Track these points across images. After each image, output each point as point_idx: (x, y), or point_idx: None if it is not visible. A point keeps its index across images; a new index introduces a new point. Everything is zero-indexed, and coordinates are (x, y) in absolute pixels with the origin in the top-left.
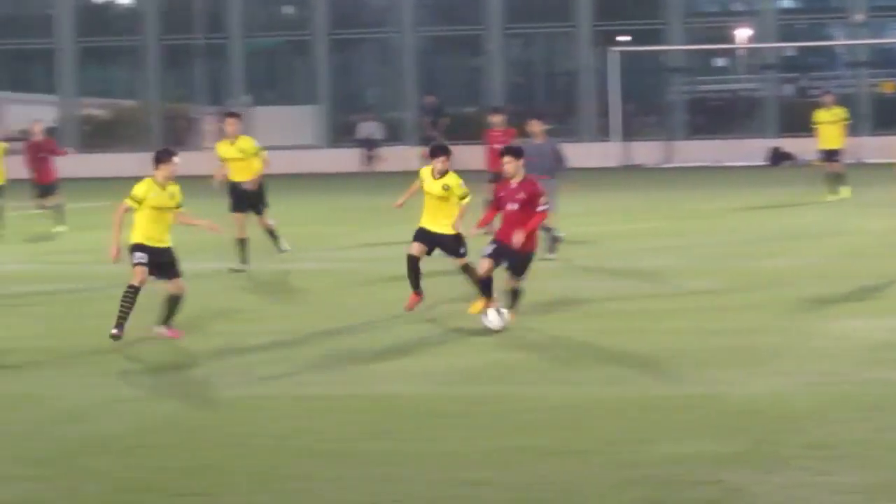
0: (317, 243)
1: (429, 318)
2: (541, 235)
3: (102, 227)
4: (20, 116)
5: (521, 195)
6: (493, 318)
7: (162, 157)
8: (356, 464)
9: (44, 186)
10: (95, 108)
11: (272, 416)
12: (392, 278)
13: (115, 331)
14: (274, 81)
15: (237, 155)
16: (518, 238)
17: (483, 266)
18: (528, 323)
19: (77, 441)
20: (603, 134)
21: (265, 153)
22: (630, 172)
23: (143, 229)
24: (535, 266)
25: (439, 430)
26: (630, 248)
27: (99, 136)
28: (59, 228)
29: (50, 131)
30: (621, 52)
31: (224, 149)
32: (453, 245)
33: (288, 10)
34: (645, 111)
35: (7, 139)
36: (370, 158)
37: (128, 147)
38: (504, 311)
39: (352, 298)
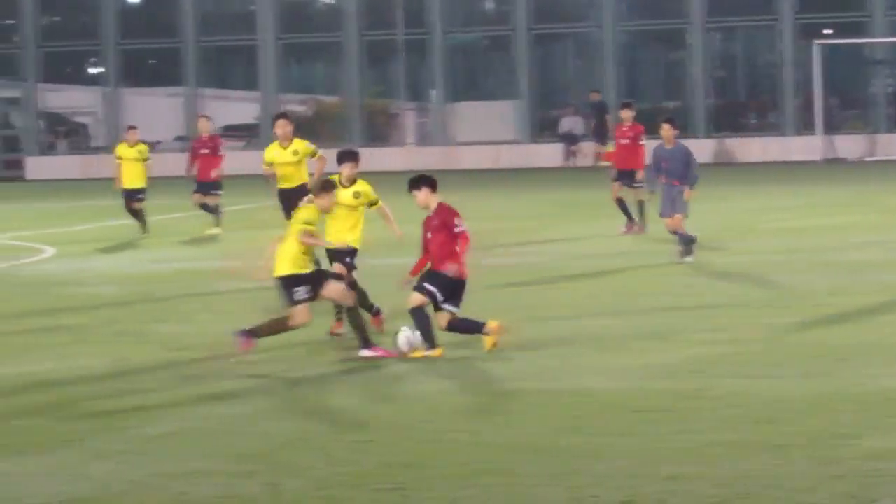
0: (508, 238)
1: (616, 313)
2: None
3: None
4: (222, 113)
5: (436, 222)
6: (402, 340)
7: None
8: (554, 458)
9: (204, 184)
10: (296, 105)
11: (466, 412)
12: (581, 275)
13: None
14: (474, 77)
15: (290, 159)
16: (453, 269)
17: (414, 300)
18: (722, 318)
19: (278, 437)
20: (805, 127)
21: (321, 152)
22: (833, 166)
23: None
24: (730, 262)
25: (638, 425)
26: (832, 242)
27: (300, 133)
28: (214, 231)
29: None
30: (824, 44)
31: (274, 153)
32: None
33: (488, 5)
34: (847, 104)
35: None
36: (571, 154)
37: (328, 143)
38: (416, 333)
39: (546, 293)
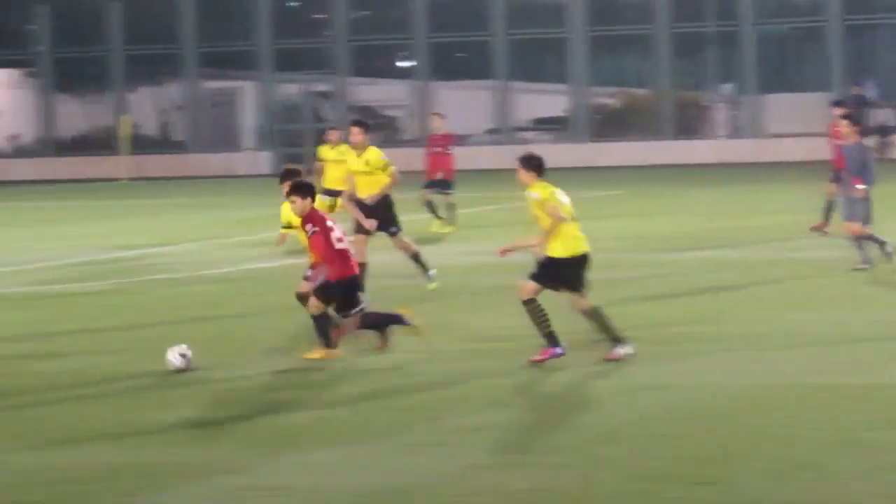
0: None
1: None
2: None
3: (625, 215)
4: (531, 106)
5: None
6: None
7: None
8: (868, 454)
9: (435, 182)
10: (606, 97)
11: (777, 405)
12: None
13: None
14: (785, 68)
15: (363, 168)
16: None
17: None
18: None
19: (590, 430)
20: None
21: (393, 168)
22: None
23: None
24: None
25: None
26: None
27: (609, 125)
28: (446, 230)
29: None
30: None
31: (350, 160)
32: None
33: None
34: None
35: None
36: (885, 145)
37: (638, 136)
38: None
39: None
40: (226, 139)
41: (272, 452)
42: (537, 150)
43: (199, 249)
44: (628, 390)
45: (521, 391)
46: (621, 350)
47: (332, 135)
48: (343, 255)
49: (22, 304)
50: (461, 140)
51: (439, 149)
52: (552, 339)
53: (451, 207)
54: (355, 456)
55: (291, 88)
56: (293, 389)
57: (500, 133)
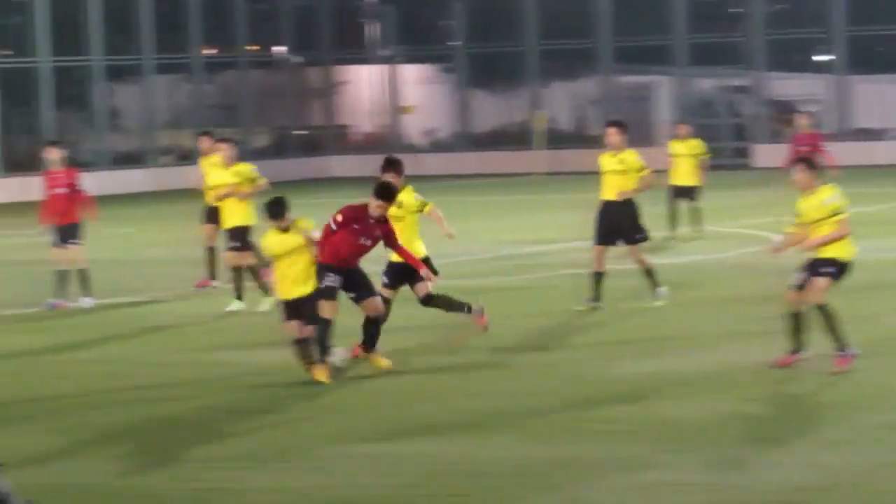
0: None
1: None
2: None
3: None
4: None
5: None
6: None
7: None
8: None
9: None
10: None
11: None
12: None
13: None
14: None
15: (617, 167)
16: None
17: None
18: None
19: None
20: None
21: (648, 171)
22: None
23: None
24: None
25: None
26: None
27: None
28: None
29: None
30: None
31: (604, 161)
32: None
33: None
34: None
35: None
36: None
37: None
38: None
39: None
40: (640, 134)
41: (682, 449)
42: None
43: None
44: None
45: None
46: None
47: (682, 129)
48: None
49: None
50: (874, 135)
51: (807, 147)
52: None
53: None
54: (772, 453)
55: (706, 83)
56: (705, 384)
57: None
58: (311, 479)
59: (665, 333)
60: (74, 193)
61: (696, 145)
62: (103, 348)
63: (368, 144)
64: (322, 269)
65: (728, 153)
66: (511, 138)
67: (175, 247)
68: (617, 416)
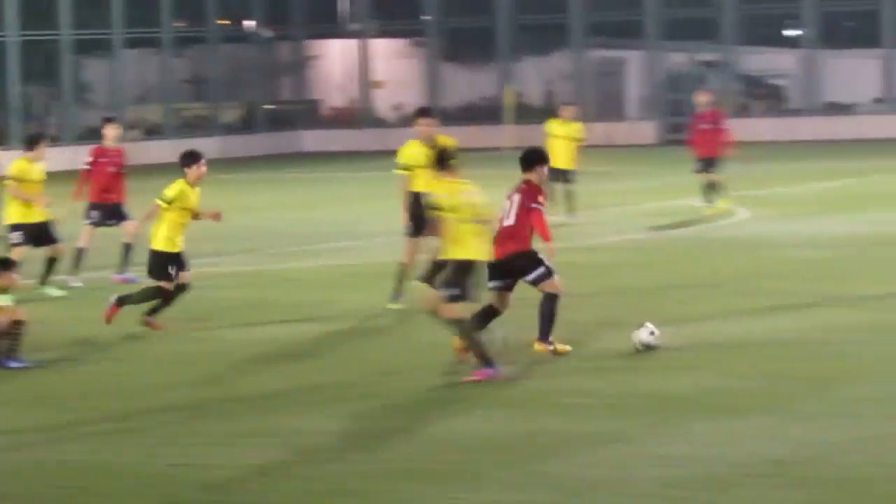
0: None
1: None
2: None
3: None
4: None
5: None
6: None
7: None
8: None
9: (704, 161)
10: None
11: None
12: None
13: None
14: None
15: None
16: None
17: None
18: None
19: None
20: None
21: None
22: None
23: None
24: None
25: None
26: None
27: None
28: (712, 205)
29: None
30: None
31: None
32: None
33: None
34: None
35: None
36: None
37: None
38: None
39: None
40: (610, 109)
41: (654, 423)
42: None
43: (594, 220)
44: None
45: None
46: None
47: (566, 111)
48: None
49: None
50: (843, 109)
51: (708, 125)
52: None
53: (713, 186)
54: (744, 426)
55: (677, 58)
56: (680, 360)
57: (887, 103)
58: (272, 454)
59: (634, 310)
60: (120, 173)
61: (576, 129)
62: None
63: (339, 119)
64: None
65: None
66: (481, 113)
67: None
68: (587, 390)
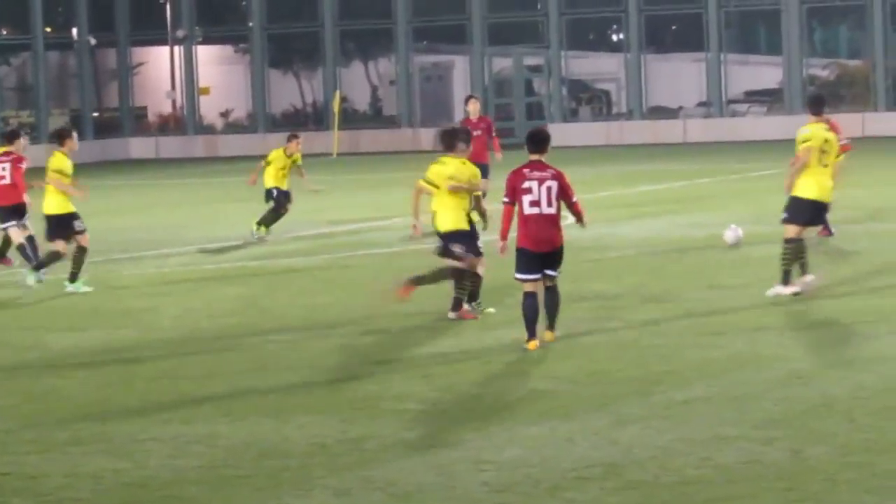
0: None
1: None
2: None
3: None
4: (744, 78)
5: None
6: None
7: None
8: None
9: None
10: (819, 69)
11: None
12: None
13: None
14: None
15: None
16: None
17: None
18: None
19: (801, 403)
20: None
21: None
22: None
23: None
24: None
25: None
26: None
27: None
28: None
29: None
30: None
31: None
32: None
33: None
34: None
35: None
36: None
37: (852, 108)
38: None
39: None
40: (438, 114)
41: (479, 427)
42: (750, 122)
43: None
44: (843, 363)
45: (732, 364)
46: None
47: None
48: None
49: (236, 279)
50: (667, 113)
51: (479, 132)
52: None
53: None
54: (568, 429)
55: (503, 62)
56: (507, 364)
57: (712, 106)
58: (103, 462)
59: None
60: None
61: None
62: None
63: (166, 126)
64: None
65: (524, 133)
66: (308, 119)
67: None
68: (413, 394)
